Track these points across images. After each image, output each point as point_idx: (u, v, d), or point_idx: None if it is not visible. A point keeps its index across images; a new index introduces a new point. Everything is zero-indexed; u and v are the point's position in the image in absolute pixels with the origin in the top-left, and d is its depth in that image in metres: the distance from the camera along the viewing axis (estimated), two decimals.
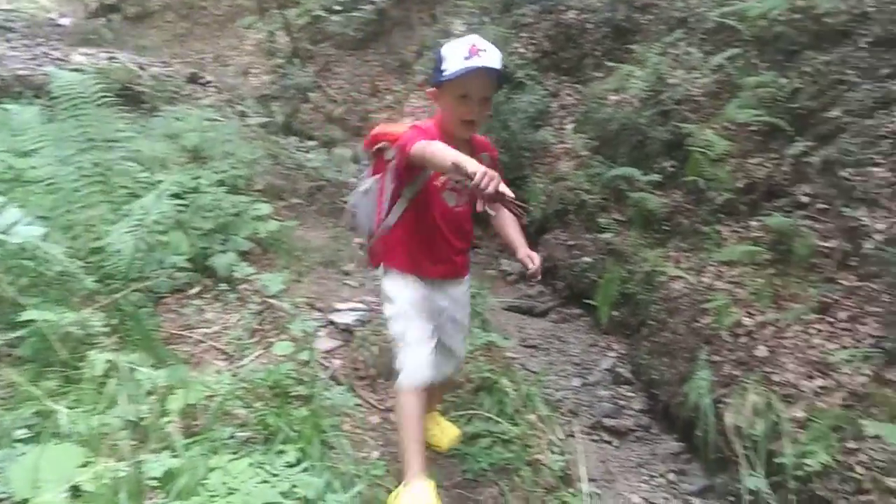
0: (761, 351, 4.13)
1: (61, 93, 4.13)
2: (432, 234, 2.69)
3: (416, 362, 2.63)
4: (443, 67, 2.45)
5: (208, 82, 11.22)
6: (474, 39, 2.47)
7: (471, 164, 2.01)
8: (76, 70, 5.28)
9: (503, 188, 1.98)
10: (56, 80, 4.15)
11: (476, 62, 2.40)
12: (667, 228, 5.47)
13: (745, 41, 5.97)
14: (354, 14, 10.57)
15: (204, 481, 2.40)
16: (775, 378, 3.91)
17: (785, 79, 5.33)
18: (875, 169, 4.39)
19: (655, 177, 5.63)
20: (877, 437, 3.17)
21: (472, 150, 2.60)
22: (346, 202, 3.24)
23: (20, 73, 8.64)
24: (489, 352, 3.98)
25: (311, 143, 8.83)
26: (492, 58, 2.43)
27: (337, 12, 10.68)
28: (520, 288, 6.09)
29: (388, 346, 3.85)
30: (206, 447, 2.59)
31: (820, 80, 5.09)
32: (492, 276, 6.17)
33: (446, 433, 3.14)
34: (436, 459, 3.07)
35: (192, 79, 11.14)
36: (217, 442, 2.66)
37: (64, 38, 13.14)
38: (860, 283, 4.09)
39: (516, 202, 2.06)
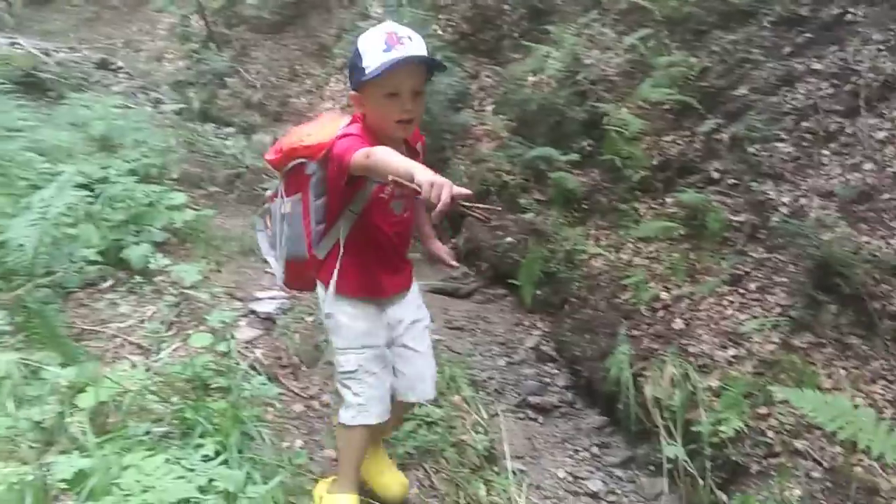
0: (678, 324, 4.26)
1: None
2: (384, 247, 2.44)
3: (370, 401, 2.45)
4: (363, 65, 2.13)
5: (119, 68, 10.83)
6: (391, 27, 2.17)
7: (418, 173, 1.73)
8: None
9: (458, 191, 1.69)
10: None
11: (398, 53, 2.10)
12: (586, 207, 5.56)
13: (657, 22, 6.10)
14: None
15: (117, 480, 2.33)
16: (691, 349, 4.03)
17: (695, 58, 5.48)
18: (779, 144, 4.56)
19: (574, 156, 5.72)
20: (785, 401, 3.30)
21: (409, 149, 2.38)
22: (256, 226, 2.96)
23: None
24: None
25: (229, 129, 8.63)
26: (415, 45, 2.15)
27: None
28: (443, 270, 6.10)
29: (310, 333, 3.83)
30: (119, 445, 2.52)
31: (727, 59, 5.25)
32: (414, 260, 6.15)
33: (396, 481, 2.79)
34: None
35: (102, 65, 10.73)
36: (132, 439, 2.59)
37: None
38: (768, 255, 4.25)
39: (480, 206, 1.81)
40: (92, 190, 4.41)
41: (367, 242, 2.40)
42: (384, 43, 2.12)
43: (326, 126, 2.40)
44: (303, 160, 2.41)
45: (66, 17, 13.41)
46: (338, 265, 2.37)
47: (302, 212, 2.47)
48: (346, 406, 2.49)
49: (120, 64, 10.97)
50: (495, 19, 8.16)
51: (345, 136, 2.20)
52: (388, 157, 1.91)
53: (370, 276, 2.45)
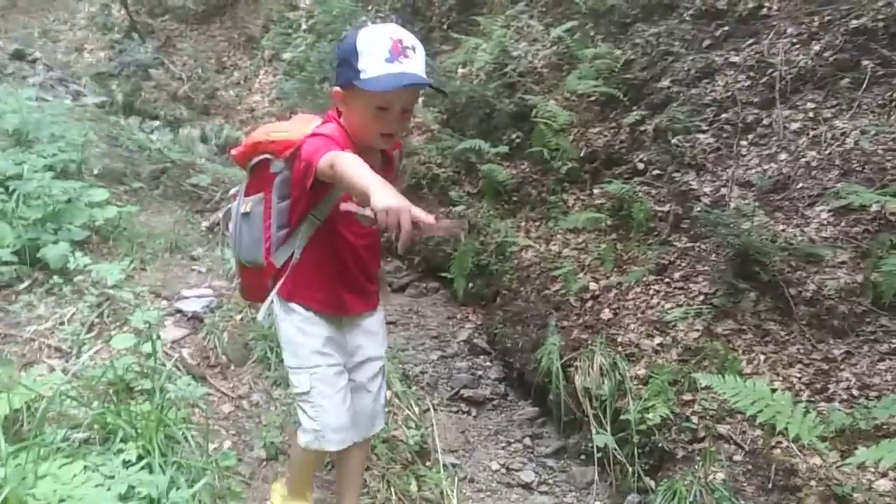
0: (606, 314, 4.33)
1: None
2: (347, 261, 2.25)
3: (325, 427, 2.26)
4: (358, 66, 1.94)
5: (36, 59, 10.42)
6: (396, 31, 1.98)
7: (374, 197, 1.56)
8: None
9: (418, 214, 1.53)
10: None
11: (402, 68, 1.92)
12: (516, 199, 5.61)
13: (583, 14, 6.19)
14: None
15: (31, 490, 2.25)
16: (619, 339, 4.11)
17: (619, 50, 5.57)
18: (701, 136, 4.68)
19: (503, 148, 5.75)
20: (708, 387, 3.39)
21: (384, 156, 2.24)
22: (220, 224, 2.76)
23: None
24: None
25: (154, 122, 8.40)
26: (418, 58, 1.97)
27: None
28: None
29: (239, 331, 3.76)
30: (34, 454, 2.43)
31: (650, 52, 5.36)
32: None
33: None
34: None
35: (17, 55, 10.31)
36: (48, 447, 2.50)
37: None
38: (691, 244, 4.36)
39: (445, 226, 1.67)
40: (6, 187, 4.24)
41: (330, 253, 2.21)
42: (388, 51, 1.92)
43: (299, 125, 2.24)
44: (268, 156, 2.26)
45: None
46: (287, 271, 2.22)
47: (262, 213, 2.30)
48: (302, 429, 2.32)
49: (37, 55, 10.55)
50: (424, 10, 8.15)
51: (316, 135, 2.02)
52: (349, 171, 1.74)
53: (330, 290, 2.26)
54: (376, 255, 2.37)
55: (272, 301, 2.29)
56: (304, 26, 8.63)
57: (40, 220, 4.16)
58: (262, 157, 2.28)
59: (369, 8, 8.42)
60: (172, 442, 2.76)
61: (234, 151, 2.45)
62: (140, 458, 2.54)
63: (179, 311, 3.87)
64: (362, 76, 1.93)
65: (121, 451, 2.58)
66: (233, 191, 2.56)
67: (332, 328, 2.30)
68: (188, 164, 6.45)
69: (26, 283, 3.89)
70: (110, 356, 3.31)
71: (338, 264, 2.24)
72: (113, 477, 2.37)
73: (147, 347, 3.29)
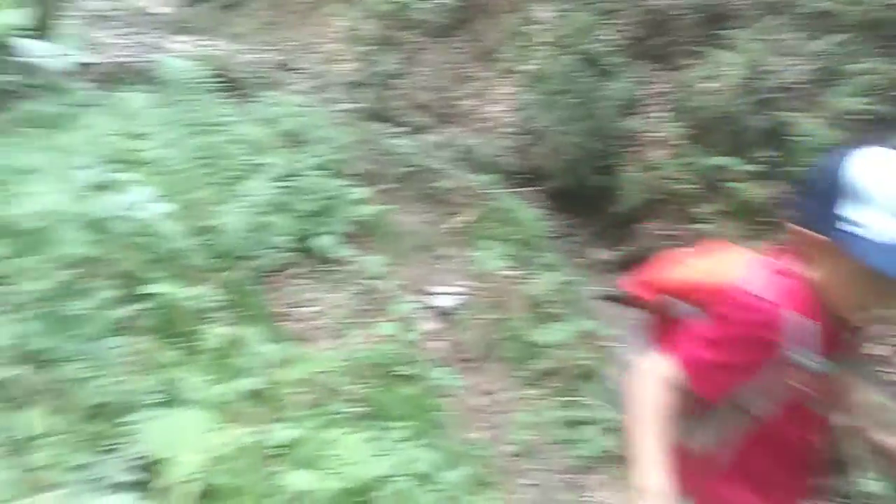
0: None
1: (169, 79, 4.31)
2: (786, 463, 1.57)
3: None
4: (855, 217, 1.30)
5: (297, 69, 11.46)
6: None
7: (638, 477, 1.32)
8: (179, 57, 5.49)
9: None
10: (164, 67, 4.33)
11: None
12: (768, 220, 5.33)
13: (848, 27, 5.76)
14: (440, 0, 10.61)
15: (320, 453, 2.49)
16: None
17: (891, 66, 5.13)
18: None
19: (755, 167, 5.49)
20: None
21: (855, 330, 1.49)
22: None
23: (123, 60, 9.00)
24: (588, 340, 3.97)
25: (398, 129, 8.91)
26: None
27: None
28: (611, 278, 6.04)
29: (486, 329, 3.91)
30: (321, 420, 2.69)
31: None
32: (584, 264, 6.15)
33: None
34: (539, 447, 3.09)
35: (282, 65, 11.39)
36: (331, 416, 2.76)
37: (161, 26, 13.61)
38: None
39: None
40: (284, 182, 4.71)
41: (761, 452, 1.55)
42: None
43: (724, 263, 1.63)
44: (677, 299, 1.68)
45: (250, 21, 14.32)
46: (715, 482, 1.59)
47: None
48: None
49: (298, 65, 11.60)
50: (668, 23, 7.96)
51: (757, 305, 1.40)
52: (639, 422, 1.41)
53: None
54: (824, 453, 1.65)
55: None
56: (542, 39, 8.76)
57: (313, 213, 4.58)
58: (670, 299, 1.71)
59: (610, 22, 8.39)
60: (431, 427, 2.93)
61: (631, 288, 1.88)
62: (408, 437, 2.72)
63: (431, 305, 4.08)
64: (862, 234, 1.29)
65: (389, 428, 2.79)
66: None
67: None
68: (431, 169, 6.78)
69: (299, 269, 4.30)
70: (372, 341, 3.57)
71: (770, 468, 1.58)
72: (388, 452, 2.56)
73: (407, 336, 3.52)
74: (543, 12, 9.45)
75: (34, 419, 2.45)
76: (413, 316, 3.77)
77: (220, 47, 10.71)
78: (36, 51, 5.61)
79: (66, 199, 3.32)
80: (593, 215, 6.56)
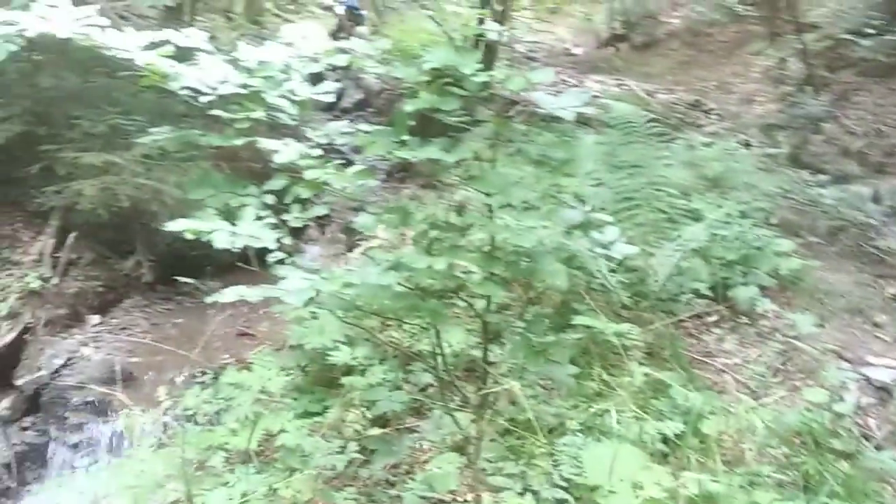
0: None
1: (615, 122, 4.56)
2: None
3: None
4: None
5: (710, 109, 11.28)
6: None
7: None
8: (620, 101, 5.77)
9: None
10: (612, 110, 4.59)
11: None
12: None
13: None
14: (888, 37, 9.57)
15: None
16: None
17: None
18: None
19: None
20: None
21: None
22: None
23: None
24: None
25: (821, 177, 8.26)
26: None
27: (867, 35, 9.79)
28: None
29: None
30: (744, 479, 2.62)
31: None
32: None
33: None
34: None
35: (695, 105, 11.31)
36: (756, 476, 2.67)
37: (577, 66, 14.44)
38: None
39: None
40: (711, 228, 4.67)
41: None
42: None
43: None
44: None
45: (664, 61, 14.50)
46: None
47: None
48: None
49: (711, 105, 11.42)
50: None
51: None
52: None
53: None
54: None
55: None
56: None
57: (734, 262, 4.48)
58: None
59: None
60: None
61: None
62: None
63: (866, 377, 3.72)
64: None
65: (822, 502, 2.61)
66: None
67: None
68: (864, 224, 6.17)
69: (714, 318, 4.23)
70: (795, 405, 3.37)
71: None
72: None
73: (839, 407, 3.25)
74: None
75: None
76: (845, 386, 3.47)
77: (633, 86, 11.02)
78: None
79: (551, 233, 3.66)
80: None
